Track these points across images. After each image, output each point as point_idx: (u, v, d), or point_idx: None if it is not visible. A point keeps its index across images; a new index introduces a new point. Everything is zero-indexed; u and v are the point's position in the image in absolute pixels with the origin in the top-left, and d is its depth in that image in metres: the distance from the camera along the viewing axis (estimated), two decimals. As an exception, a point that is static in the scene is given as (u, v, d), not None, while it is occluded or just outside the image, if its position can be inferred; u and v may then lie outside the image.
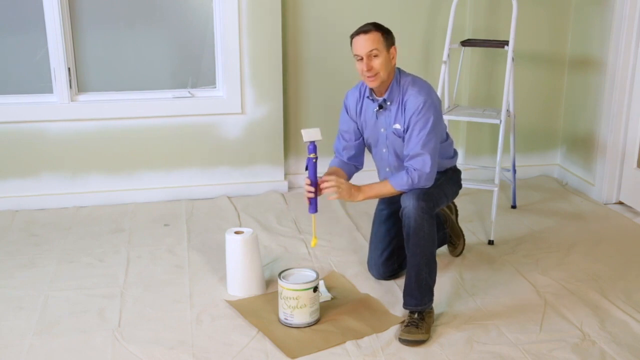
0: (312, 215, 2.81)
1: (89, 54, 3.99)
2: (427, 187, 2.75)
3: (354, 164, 3.05)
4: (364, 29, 2.72)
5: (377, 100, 2.83)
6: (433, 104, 2.74)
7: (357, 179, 3.04)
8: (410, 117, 2.74)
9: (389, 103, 2.81)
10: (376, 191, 2.83)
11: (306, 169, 2.76)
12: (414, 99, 2.74)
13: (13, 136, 3.93)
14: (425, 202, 2.71)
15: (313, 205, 2.78)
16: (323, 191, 2.76)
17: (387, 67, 2.74)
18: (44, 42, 3.87)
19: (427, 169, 2.72)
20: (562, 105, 4.56)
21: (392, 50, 2.76)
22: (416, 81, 2.80)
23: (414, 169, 2.73)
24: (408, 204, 2.71)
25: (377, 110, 2.84)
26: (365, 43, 2.69)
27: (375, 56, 2.70)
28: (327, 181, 2.73)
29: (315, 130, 2.71)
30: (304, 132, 2.70)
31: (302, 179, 4.33)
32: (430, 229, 2.72)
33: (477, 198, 4.15)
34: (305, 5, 4.13)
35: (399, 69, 2.84)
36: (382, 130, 2.87)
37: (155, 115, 4.06)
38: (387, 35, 2.74)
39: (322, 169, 2.78)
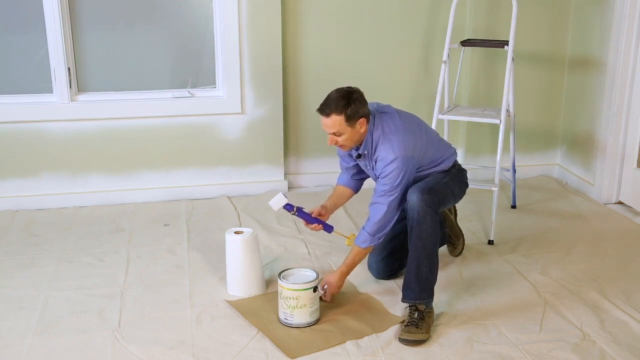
0: (334, 232, 3.03)
1: (89, 54, 3.99)
2: (385, 231, 2.80)
3: (363, 178, 3.09)
4: (325, 111, 2.69)
5: (357, 149, 2.86)
6: (403, 159, 2.72)
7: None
8: (381, 171, 2.77)
9: (365, 152, 2.84)
10: (351, 261, 2.88)
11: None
12: (382, 157, 2.75)
13: (13, 136, 3.92)
14: (429, 195, 2.74)
15: (326, 227, 2.99)
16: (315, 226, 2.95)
17: (353, 139, 2.75)
18: (44, 42, 3.87)
19: (380, 216, 2.77)
20: (562, 105, 4.56)
21: (359, 123, 2.71)
22: (386, 135, 2.76)
23: (367, 220, 2.81)
24: (412, 197, 2.73)
25: (356, 157, 2.90)
26: (326, 126, 2.72)
27: (339, 135, 2.72)
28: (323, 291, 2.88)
29: (279, 197, 2.88)
30: (271, 204, 2.89)
31: (302, 179, 4.38)
32: (433, 223, 2.73)
33: (477, 198, 4.14)
34: (305, 5, 4.13)
35: (373, 115, 2.79)
36: (369, 169, 2.92)
37: (155, 115, 4.06)
38: (350, 113, 2.67)
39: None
